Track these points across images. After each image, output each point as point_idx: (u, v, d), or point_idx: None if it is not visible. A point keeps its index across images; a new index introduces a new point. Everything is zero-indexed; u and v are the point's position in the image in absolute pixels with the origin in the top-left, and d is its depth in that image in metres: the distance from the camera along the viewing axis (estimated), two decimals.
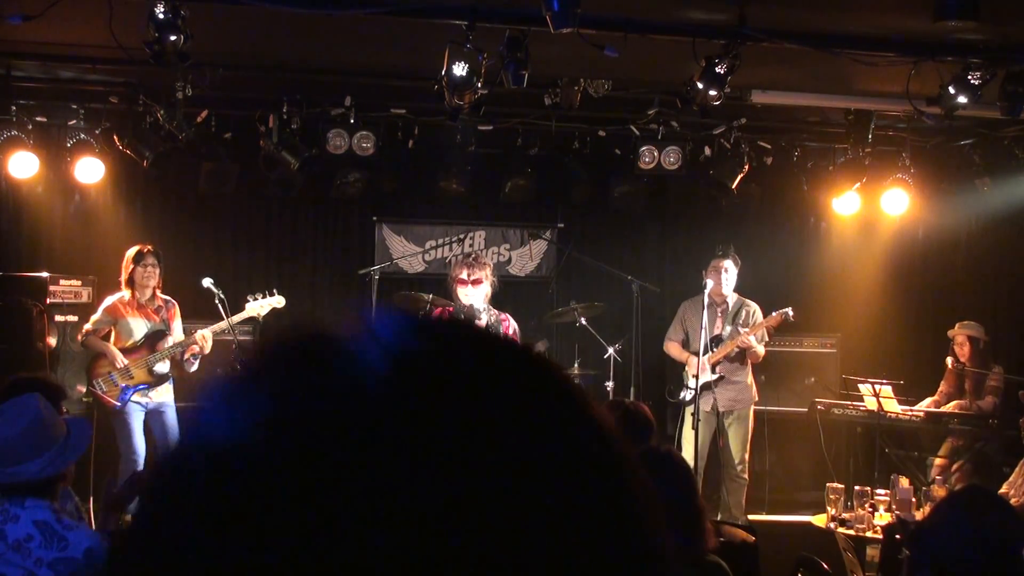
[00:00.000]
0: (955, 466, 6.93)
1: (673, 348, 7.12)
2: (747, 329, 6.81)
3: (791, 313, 6.77)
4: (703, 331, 6.33)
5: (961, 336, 7.17)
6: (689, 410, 6.73)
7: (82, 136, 6.89)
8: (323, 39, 5.77)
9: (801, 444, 7.63)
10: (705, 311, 6.32)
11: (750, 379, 6.97)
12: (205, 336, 6.44)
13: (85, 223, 7.57)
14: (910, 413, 7.03)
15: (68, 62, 6.32)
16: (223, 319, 6.38)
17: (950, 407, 7.13)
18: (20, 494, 2.78)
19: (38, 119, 6.92)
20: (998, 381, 7.06)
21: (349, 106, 7.00)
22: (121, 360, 6.34)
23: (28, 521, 2.74)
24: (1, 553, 2.72)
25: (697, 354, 6.35)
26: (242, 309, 6.55)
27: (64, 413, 3.25)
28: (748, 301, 7.01)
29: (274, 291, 6.65)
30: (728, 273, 6.89)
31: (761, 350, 6.88)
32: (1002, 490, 5.75)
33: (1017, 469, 5.82)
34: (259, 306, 6.57)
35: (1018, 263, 8.26)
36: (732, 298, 6.98)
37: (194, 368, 6.63)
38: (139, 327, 6.47)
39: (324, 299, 8.20)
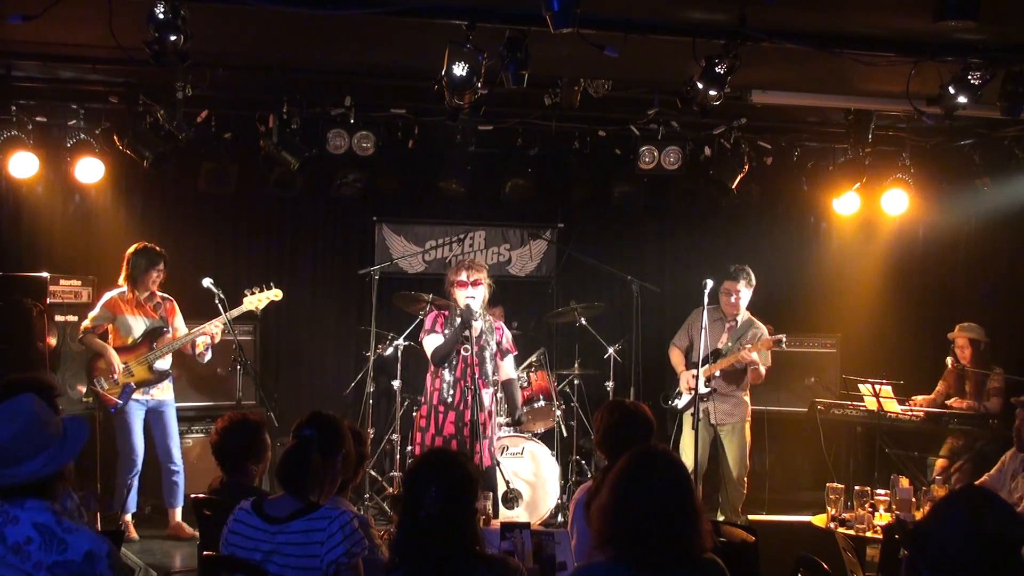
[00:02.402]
0: (955, 466, 6.93)
1: (674, 355, 7.06)
2: (749, 346, 6.73)
3: (784, 340, 6.64)
4: (703, 331, 6.30)
5: (962, 339, 7.16)
6: (688, 413, 6.69)
7: (82, 136, 6.88)
8: (323, 39, 5.76)
9: (801, 444, 7.63)
10: (705, 312, 6.30)
11: (745, 395, 6.88)
12: (215, 325, 6.48)
13: (85, 223, 7.57)
14: (910, 413, 7.03)
15: (68, 62, 6.31)
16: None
17: (954, 402, 7.10)
18: (19, 495, 2.77)
19: (38, 119, 6.92)
20: (1000, 382, 7.05)
21: (349, 106, 7.00)
22: (119, 367, 6.35)
23: (28, 523, 2.73)
24: (1, 556, 2.71)
25: (696, 365, 6.32)
26: (240, 304, 6.55)
27: (60, 412, 3.24)
28: (758, 323, 6.85)
29: (271, 284, 6.66)
30: (738, 296, 6.77)
31: (763, 370, 6.73)
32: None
33: (999, 464, 5.81)
34: (256, 300, 6.58)
35: (1018, 263, 8.25)
36: (743, 316, 6.86)
37: (208, 359, 6.64)
38: (138, 325, 6.49)
39: (324, 299, 8.22)
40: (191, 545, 6.14)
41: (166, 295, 6.67)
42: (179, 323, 6.66)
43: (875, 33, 5.36)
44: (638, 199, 7.98)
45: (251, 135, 7.10)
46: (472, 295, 5.89)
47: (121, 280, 6.51)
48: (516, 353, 6.32)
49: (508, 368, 6.24)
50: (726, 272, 6.82)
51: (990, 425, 6.87)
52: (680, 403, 6.87)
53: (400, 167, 7.71)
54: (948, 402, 7.23)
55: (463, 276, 5.95)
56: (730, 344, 6.78)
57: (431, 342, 5.99)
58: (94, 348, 6.41)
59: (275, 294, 6.66)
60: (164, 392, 6.57)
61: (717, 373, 6.70)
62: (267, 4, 4.81)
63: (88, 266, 7.19)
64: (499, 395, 6.86)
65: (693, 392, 6.42)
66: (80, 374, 6.69)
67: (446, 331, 5.98)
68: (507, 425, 6.82)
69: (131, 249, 6.51)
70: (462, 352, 5.90)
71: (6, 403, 2.88)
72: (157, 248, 6.53)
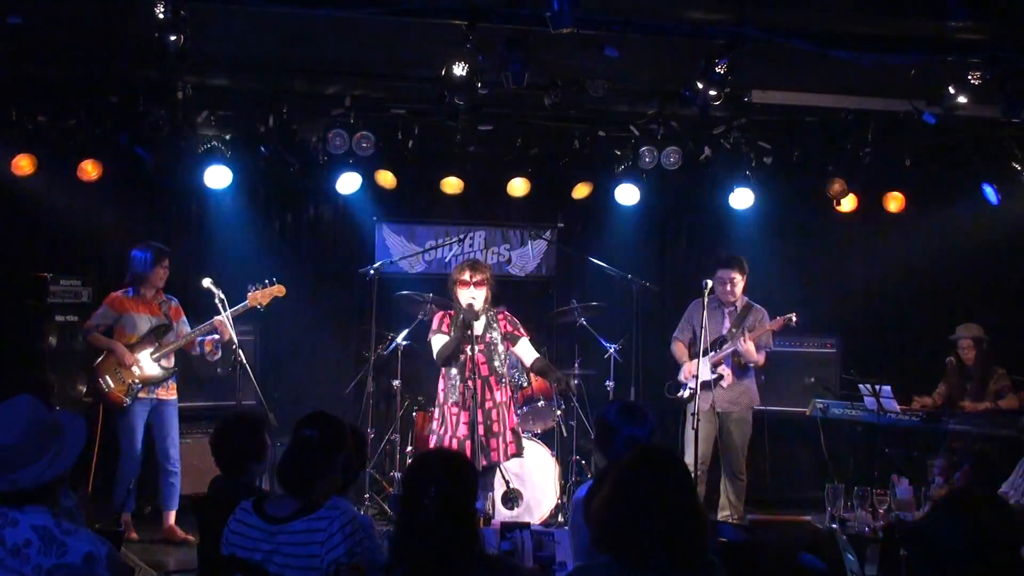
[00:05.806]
0: (958, 474, 6.91)
1: (677, 348, 7.07)
2: (750, 333, 6.76)
3: (794, 318, 6.72)
4: (703, 331, 6.31)
5: (967, 340, 7.16)
6: (690, 409, 6.69)
7: (82, 136, 6.88)
8: (323, 39, 5.77)
9: (801, 444, 7.63)
10: (705, 311, 6.31)
11: (751, 382, 6.92)
12: (223, 321, 6.32)
13: (85, 223, 7.56)
14: (910, 413, 7.03)
15: (68, 62, 6.31)
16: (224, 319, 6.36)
17: (967, 405, 7.08)
18: (19, 500, 2.74)
19: (38, 119, 6.91)
20: (1007, 380, 7.06)
21: (349, 106, 7.00)
22: (130, 357, 6.30)
23: (27, 525, 2.70)
24: (1, 559, 2.69)
25: (699, 355, 6.34)
26: (244, 301, 6.48)
27: (55, 411, 3.21)
28: (757, 306, 6.91)
29: (274, 280, 6.59)
30: (733, 284, 6.81)
31: (760, 359, 6.81)
32: (1002, 490, 5.75)
33: (1017, 468, 5.81)
34: (260, 296, 6.50)
35: (1018, 263, 8.25)
36: (741, 301, 6.92)
37: (218, 356, 6.59)
38: (143, 322, 6.44)
39: (324, 299, 8.21)
40: (190, 545, 6.14)
41: (171, 296, 6.63)
42: (184, 324, 6.63)
43: (875, 33, 5.36)
44: (638, 199, 7.98)
45: (251, 135, 7.10)
46: (474, 295, 5.89)
47: (127, 279, 6.47)
48: (527, 337, 6.21)
49: (525, 352, 6.15)
50: (718, 260, 6.85)
51: (990, 425, 6.86)
52: (684, 393, 6.88)
53: (400, 167, 7.71)
54: (963, 404, 7.19)
55: (466, 276, 5.95)
56: (734, 330, 6.81)
57: (437, 342, 5.99)
58: (102, 345, 6.34)
59: (278, 290, 6.60)
60: (168, 392, 6.52)
61: (724, 362, 6.73)
62: (268, 4, 4.82)
63: (88, 266, 7.19)
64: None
65: (696, 380, 6.45)
66: (80, 374, 6.68)
67: (452, 331, 5.97)
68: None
69: (136, 247, 6.47)
70: (467, 352, 5.90)
71: (3, 407, 2.83)
72: (160, 245, 6.50)
